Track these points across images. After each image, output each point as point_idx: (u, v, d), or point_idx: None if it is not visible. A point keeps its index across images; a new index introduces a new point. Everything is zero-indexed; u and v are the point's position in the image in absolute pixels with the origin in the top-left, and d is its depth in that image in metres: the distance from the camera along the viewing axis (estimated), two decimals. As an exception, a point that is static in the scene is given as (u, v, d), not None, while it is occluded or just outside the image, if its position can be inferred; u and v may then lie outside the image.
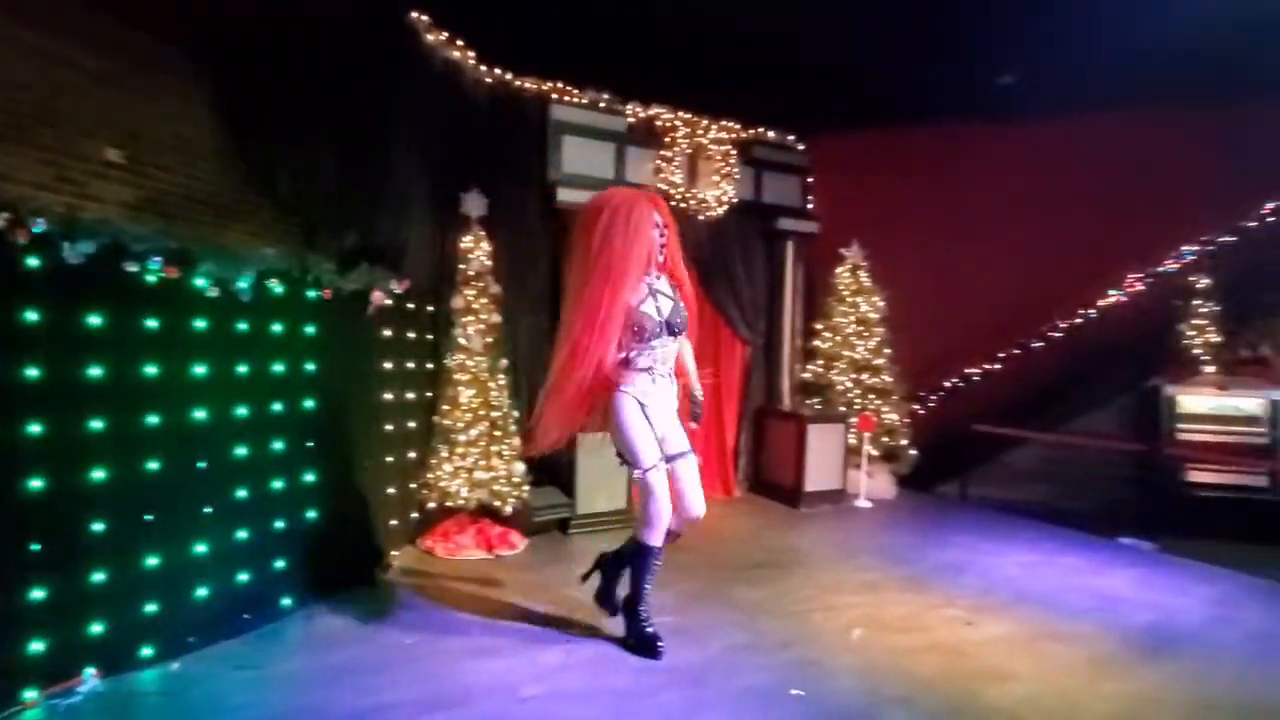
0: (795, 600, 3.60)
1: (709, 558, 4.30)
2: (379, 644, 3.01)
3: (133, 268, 2.61)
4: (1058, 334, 7.43)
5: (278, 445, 3.21)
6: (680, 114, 5.49)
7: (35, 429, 2.36)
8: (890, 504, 5.90)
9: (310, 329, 3.36)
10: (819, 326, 6.29)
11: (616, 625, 3.21)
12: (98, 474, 2.53)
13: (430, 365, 4.48)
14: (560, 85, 5.08)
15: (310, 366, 3.37)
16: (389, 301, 3.80)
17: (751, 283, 6.08)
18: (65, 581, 2.45)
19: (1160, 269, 7.13)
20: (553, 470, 4.97)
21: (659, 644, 2.98)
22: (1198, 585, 3.98)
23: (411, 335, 4.24)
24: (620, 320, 2.85)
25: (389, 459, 4.00)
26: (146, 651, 2.70)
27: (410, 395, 4.24)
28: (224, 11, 3.37)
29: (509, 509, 4.36)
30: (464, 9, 4.55)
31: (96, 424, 2.53)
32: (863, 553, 4.45)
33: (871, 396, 6.06)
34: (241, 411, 3.04)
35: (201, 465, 2.88)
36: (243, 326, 3.05)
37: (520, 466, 4.43)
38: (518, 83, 5.00)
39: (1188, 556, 4.56)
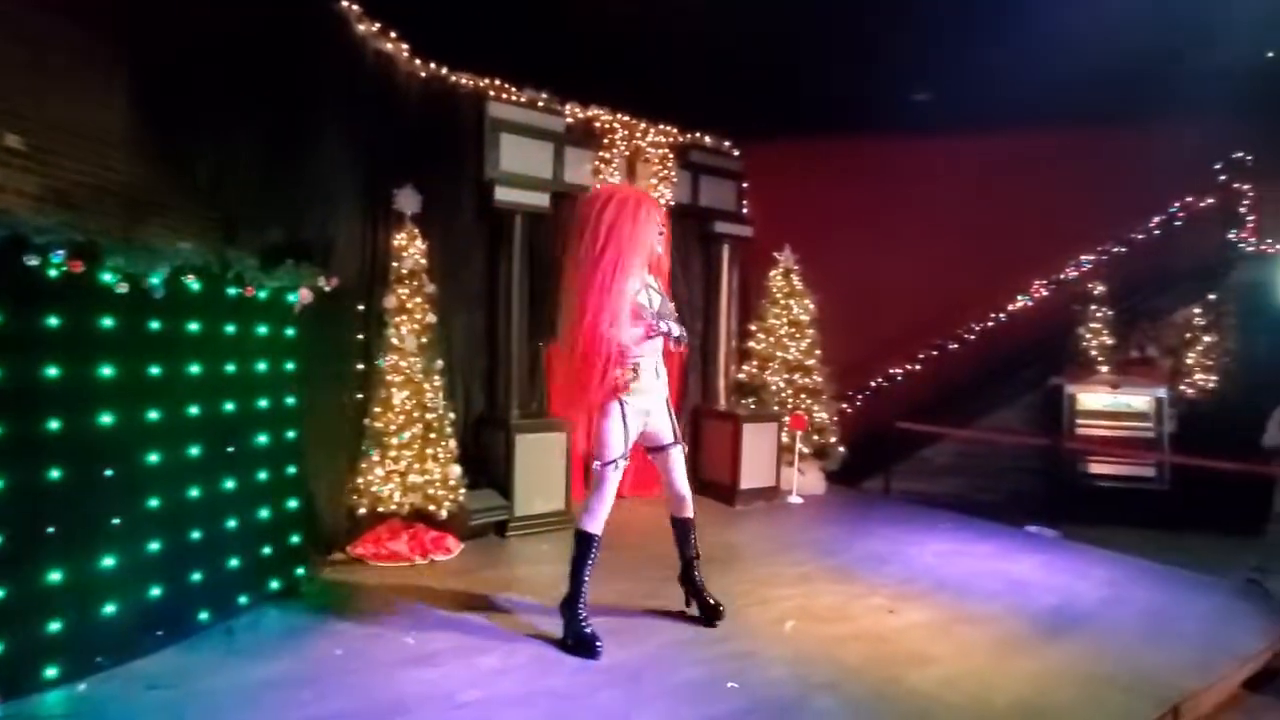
0: (732, 595, 3.68)
1: (647, 556, 4.35)
2: (305, 657, 2.90)
3: (33, 261, 2.42)
4: (971, 336, 7.91)
5: (193, 451, 3.04)
6: (619, 116, 5.51)
7: (-85, 436, 2.16)
8: (820, 499, 6.13)
9: (230, 328, 3.20)
10: (753, 328, 6.45)
11: (554, 626, 3.21)
12: (-10, 484, 2.33)
13: (361, 366, 4.34)
14: (497, 83, 5.01)
15: (230, 368, 3.21)
16: (312, 299, 3.65)
17: (688, 285, 6.18)
18: (-49, 602, 2.25)
19: (1062, 276, 7.69)
20: (490, 472, 4.91)
21: (597, 644, 3.00)
22: (1095, 568, 4.32)
23: (341, 335, 4.10)
24: (628, 304, 2.91)
25: (316, 464, 3.85)
26: (50, 672, 2.51)
27: (340, 397, 4.10)
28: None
29: (444, 513, 4.27)
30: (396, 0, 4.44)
31: (-12, 430, 2.33)
32: (795, 547, 4.61)
33: (803, 396, 6.27)
34: (153, 415, 2.86)
35: (109, 474, 2.70)
36: (155, 325, 2.87)
37: (456, 469, 4.35)
38: (453, 78, 4.90)
39: (1087, 542, 4.95)
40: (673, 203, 5.79)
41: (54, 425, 2.52)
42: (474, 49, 4.98)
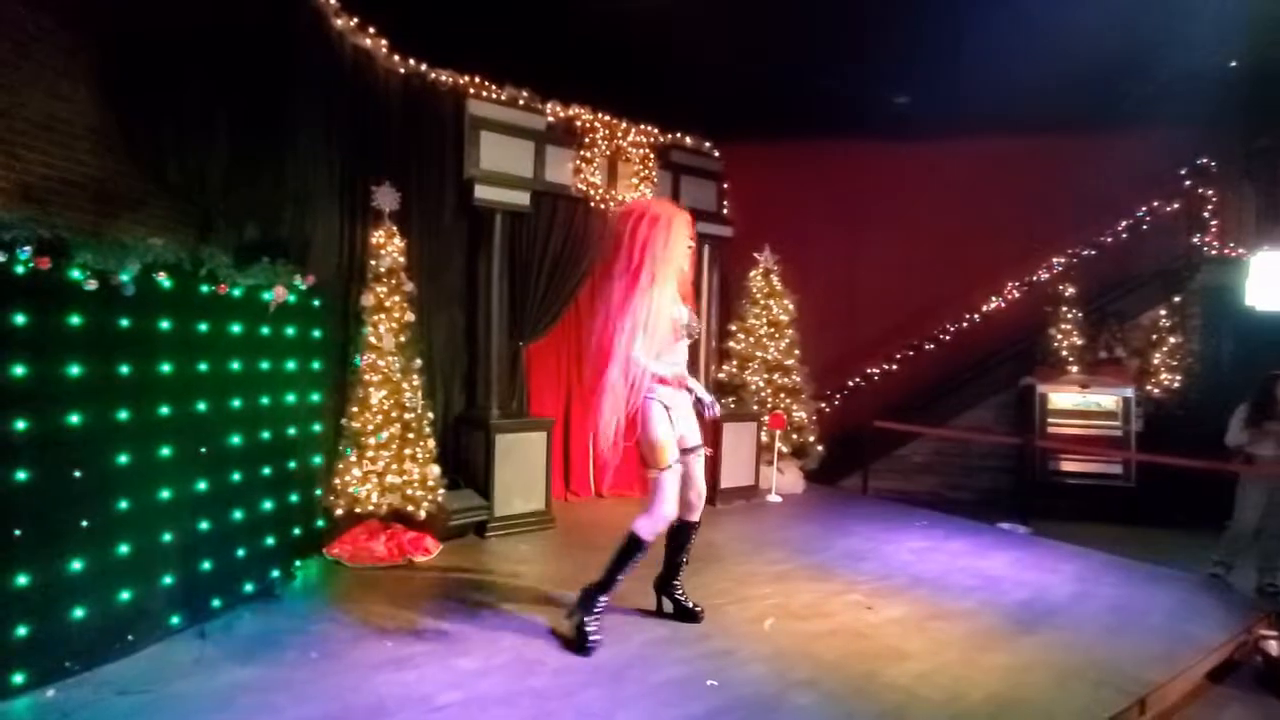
0: (712, 593, 3.71)
1: (627, 556, 4.36)
2: (281, 660, 2.85)
3: (-2, 258, 2.36)
4: (946, 337, 8.04)
5: (165, 452, 2.98)
6: (600, 115, 5.51)
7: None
8: (799, 498, 6.18)
9: (203, 326, 3.14)
10: (733, 328, 6.49)
11: (535, 626, 3.21)
12: (-49, 487, 2.27)
13: (338, 366, 4.28)
14: (478, 80, 4.98)
15: (203, 366, 3.15)
16: (292, 298, 3.60)
17: (668, 284, 6.19)
18: (-90, 609, 2.18)
19: (1033, 278, 7.85)
20: (469, 472, 4.88)
21: (589, 643, 3.00)
22: (1065, 564, 4.42)
23: (317, 334, 4.04)
24: (661, 317, 2.99)
25: (291, 464, 3.79)
26: (17, 679, 2.45)
27: (315, 397, 4.04)
28: (106, -20, 3.09)
29: (423, 513, 4.23)
30: (375, -5, 4.40)
31: (-51, 431, 2.27)
32: (773, 545, 4.65)
33: (782, 396, 6.33)
34: (122, 415, 2.80)
35: (77, 475, 2.63)
36: (125, 323, 2.80)
37: (435, 469, 4.32)
38: (433, 75, 4.86)
39: (1057, 538, 5.07)
40: (653, 203, 5.81)
41: (20, 425, 2.46)
42: (454, 46, 4.95)
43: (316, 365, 4.01)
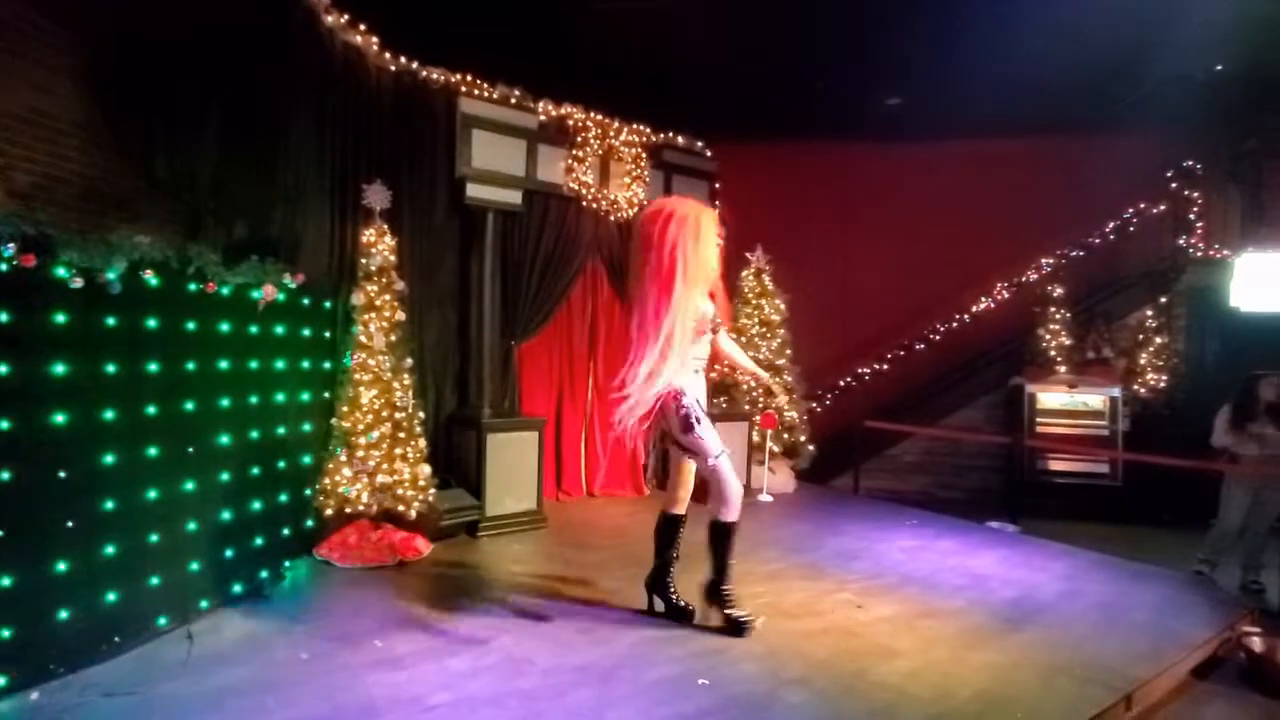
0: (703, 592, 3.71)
1: (620, 556, 4.36)
2: (270, 661, 2.84)
3: (-20, 255, 2.33)
4: (936, 337, 8.09)
5: (152, 452, 2.95)
6: (592, 114, 5.50)
7: None
8: (790, 497, 6.20)
9: (191, 325, 3.11)
10: (725, 327, 6.48)
11: (525, 626, 3.20)
12: (-67, 487, 2.24)
13: (328, 365, 4.26)
14: (469, 78, 4.97)
15: (190, 365, 3.12)
16: (281, 297, 3.58)
17: (660, 284, 6.19)
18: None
19: (1022, 279, 7.91)
20: (461, 472, 4.87)
21: (746, 623, 3.17)
22: (1052, 562, 4.46)
23: (307, 333, 4.01)
24: (691, 317, 3.04)
25: (280, 464, 3.77)
26: (0, 681, 2.42)
27: (305, 396, 4.02)
28: (92, -26, 3.05)
29: (413, 513, 4.22)
30: (366, -8, 4.37)
31: (-69, 431, 2.23)
32: (765, 544, 4.66)
33: (772, 395, 6.34)
34: (108, 415, 2.77)
35: (62, 475, 2.60)
36: (111, 322, 2.77)
37: (426, 469, 4.31)
38: (424, 73, 4.84)
39: (1045, 537, 5.11)
40: (645, 202, 5.80)
41: (3, 425, 2.43)
42: (445, 44, 4.93)
43: (306, 364, 3.99)
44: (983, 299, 8.01)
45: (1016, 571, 4.26)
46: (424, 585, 3.75)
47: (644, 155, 5.76)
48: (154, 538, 2.96)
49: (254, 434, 3.52)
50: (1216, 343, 7.10)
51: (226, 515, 3.34)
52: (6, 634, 2.43)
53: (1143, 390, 7.10)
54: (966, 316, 8.04)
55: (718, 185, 6.44)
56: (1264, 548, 4.55)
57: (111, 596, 2.78)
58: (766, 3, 5.25)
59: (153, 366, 2.94)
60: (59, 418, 2.59)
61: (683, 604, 3.39)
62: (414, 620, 3.27)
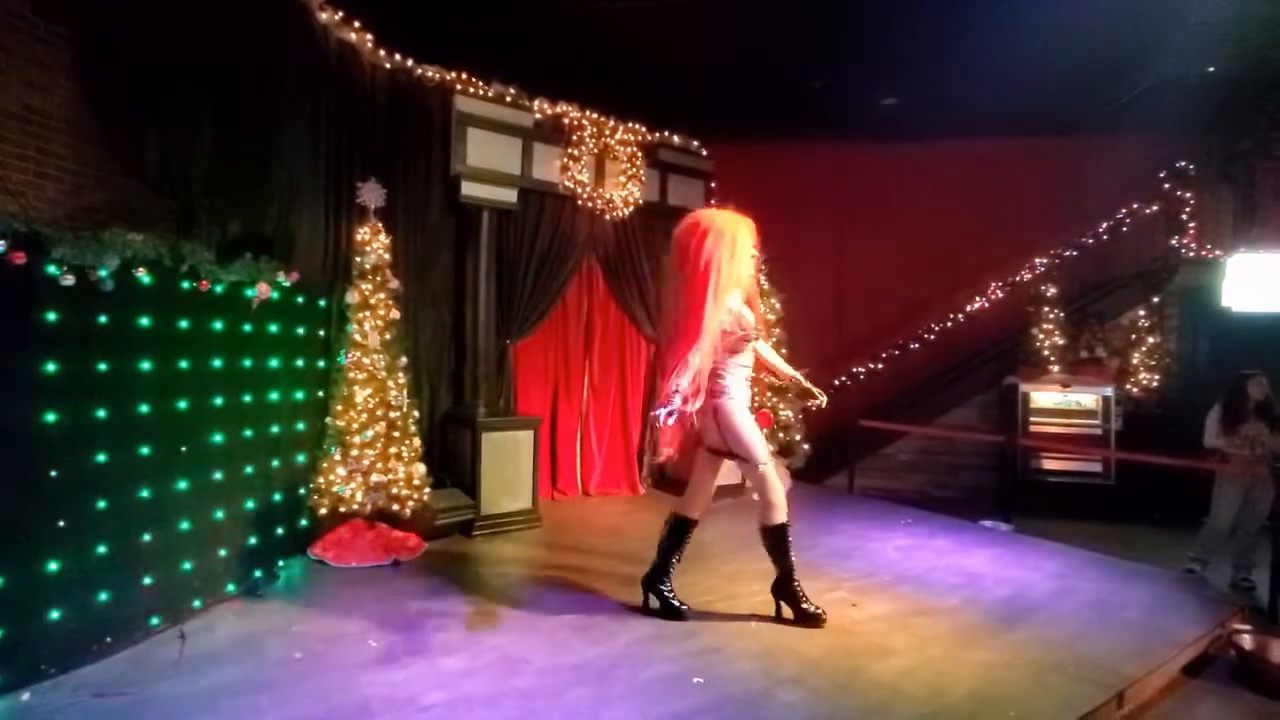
0: (699, 591, 3.72)
1: (617, 555, 4.36)
2: (264, 661, 2.82)
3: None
4: (931, 336, 8.11)
5: (144, 450, 2.94)
6: (588, 113, 5.50)
7: None
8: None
9: (184, 323, 3.10)
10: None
11: (522, 625, 3.20)
12: (-78, 487, 2.22)
13: (322, 363, 4.24)
14: (464, 76, 4.95)
15: (183, 364, 3.11)
16: (275, 295, 3.56)
17: (656, 283, 6.19)
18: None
19: (1016, 279, 7.93)
20: (456, 471, 4.86)
21: (819, 613, 3.29)
22: (1045, 561, 4.48)
23: (301, 331, 4.00)
24: (720, 333, 3.13)
25: (274, 463, 3.75)
26: (-12, 683, 2.40)
27: (299, 395, 4.00)
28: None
29: (408, 512, 4.21)
30: (360, -10, 4.35)
31: (-80, 430, 2.21)
32: (760, 543, 4.65)
33: (769, 394, 6.35)
34: (100, 413, 2.76)
35: (53, 474, 2.59)
36: (103, 320, 2.76)
37: (421, 468, 4.30)
38: (419, 71, 4.82)
39: (1038, 535, 5.13)
40: (641, 201, 5.80)
41: (-7, 424, 2.41)
42: (440, 41, 4.92)
43: (300, 363, 3.97)
44: (977, 298, 8.04)
45: (1010, 570, 4.28)
46: (419, 585, 3.74)
47: (639, 154, 5.76)
48: (146, 537, 2.94)
49: (248, 433, 3.51)
50: (1208, 342, 7.14)
51: (220, 514, 3.33)
52: (-3, 634, 2.42)
53: (1135, 390, 7.14)
54: (961, 316, 8.06)
55: (713, 185, 6.43)
56: (1254, 546, 4.58)
57: (103, 596, 2.76)
58: (763, 2, 5.25)
59: (145, 365, 2.92)
60: (49, 416, 2.57)
61: (677, 603, 3.40)
62: (409, 620, 3.26)
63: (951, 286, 7.98)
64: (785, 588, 3.39)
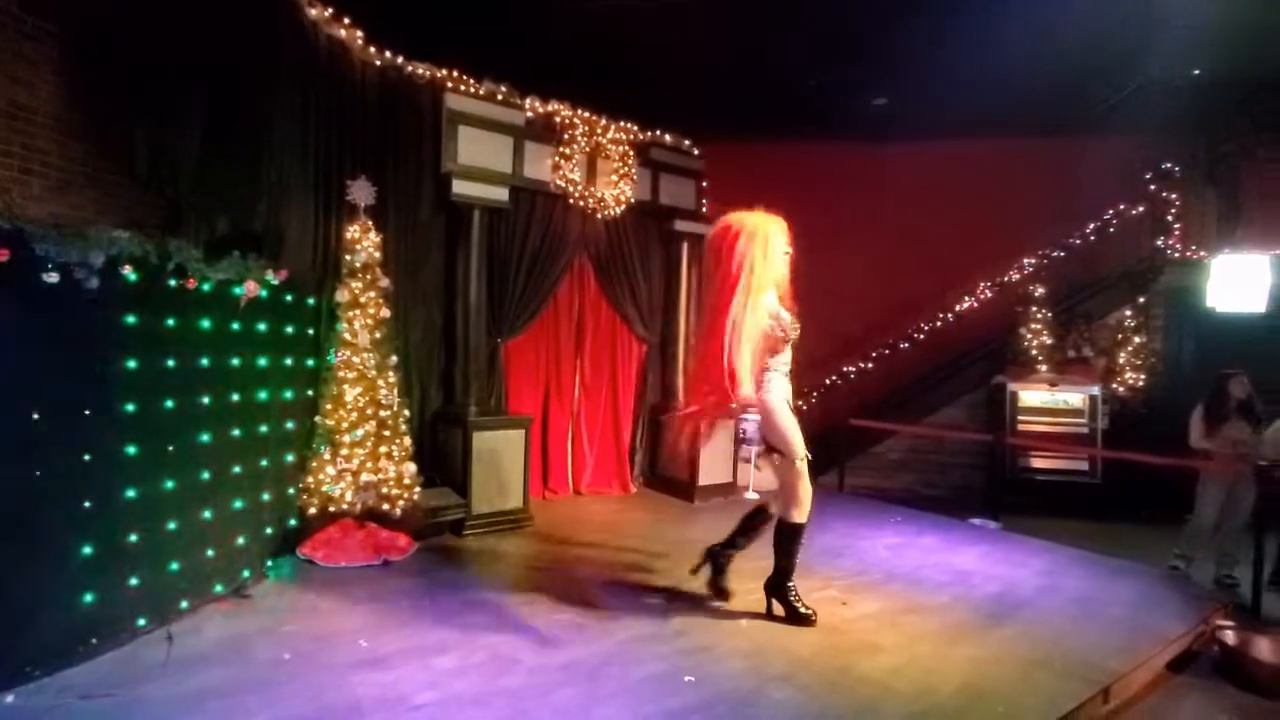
0: (690, 590, 3.73)
1: (610, 553, 4.37)
2: (253, 662, 2.81)
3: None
4: (921, 336, 8.16)
5: (130, 450, 2.90)
6: (579, 112, 5.49)
7: None
8: (776, 495, 6.22)
9: (170, 321, 3.07)
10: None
11: (512, 625, 3.20)
12: (-97, 487, 2.18)
13: (311, 362, 4.21)
14: (455, 74, 4.93)
15: (170, 362, 3.07)
16: (264, 293, 3.53)
17: (648, 282, 6.20)
18: None
19: (1005, 279, 7.99)
20: (446, 470, 4.84)
21: (809, 613, 3.32)
22: (1033, 558, 4.52)
23: (290, 330, 3.97)
24: (760, 334, 3.20)
25: (263, 462, 3.73)
26: (-29, 686, 2.37)
27: (288, 394, 3.97)
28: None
29: (398, 512, 4.19)
30: (350, -14, 4.33)
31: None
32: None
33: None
34: (85, 412, 2.72)
35: (37, 474, 2.55)
36: (88, 317, 2.72)
37: (411, 467, 4.29)
38: (409, 68, 4.80)
39: (1025, 533, 5.19)
40: (632, 200, 5.80)
41: (-23, 423, 2.38)
42: (431, 39, 4.90)
43: (289, 361, 3.95)
44: (966, 298, 8.09)
45: (998, 567, 4.32)
46: (409, 584, 3.72)
47: (631, 153, 5.76)
48: (133, 537, 2.91)
49: (236, 432, 3.48)
50: (1193, 342, 7.23)
51: (207, 514, 3.29)
52: (-20, 636, 2.39)
53: (1121, 389, 7.22)
54: (950, 315, 8.11)
55: (704, 184, 6.45)
56: (1238, 543, 4.64)
57: (89, 597, 2.73)
58: (756, 2, 5.26)
59: (131, 363, 2.89)
60: (34, 415, 2.54)
61: (726, 585, 3.60)
62: (399, 619, 3.25)
63: (941, 286, 8.03)
64: (779, 586, 3.41)
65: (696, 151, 6.37)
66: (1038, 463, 6.90)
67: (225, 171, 3.69)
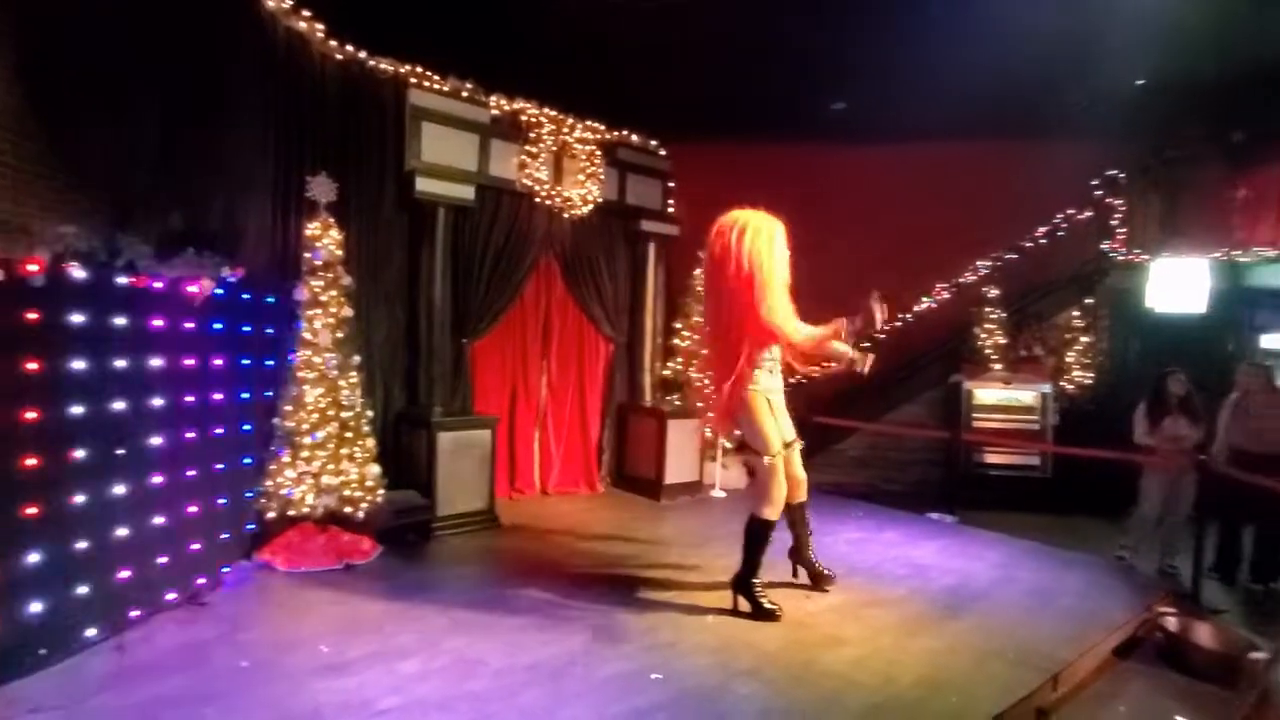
0: (657, 588, 3.75)
1: (576, 553, 4.36)
2: (208, 671, 2.73)
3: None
4: (881, 335, 8.30)
5: (78, 454, 2.80)
6: (546, 110, 5.47)
7: None
8: (742, 493, 6.29)
9: (120, 320, 2.96)
10: (678, 325, 6.56)
11: (478, 627, 3.18)
12: None
13: (270, 362, 4.11)
14: (419, 70, 4.86)
15: (119, 363, 2.97)
16: (220, 291, 3.44)
17: (615, 282, 6.21)
18: None
19: (961, 280, 8.22)
20: (411, 472, 4.78)
21: (772, 609, 3.36)
22: (988, 551, 4.68)
23: (247, 329, 3.86)
24: (780, 312, 3.31)
25: (219, 466, 3.62)
26: (-96, 704, 2.25)
27: (245, 395, 3.86)
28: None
29: (361, 515, 4.11)
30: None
31: None
32: (718, 539, 4.72)
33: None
34: (30, 415, 2.61)
35: (-23, 480, 2.45)
36: (32, 316, 2.62)
37: (374, 469, 4.21)
38: (372, 63, 4.71)
39: (981, 526, 5.35)
40: (599, 200, 5.80)
41: (-91, 428, 2.26)
42: (394, 34, 4.81)
43: (246, 362, 3.84)
44: (924, 299, 8.29)
45: (955, 561, 4.45)
46: (372, 588, 3.66)
47: (598, 152, 5.76)
48: (81, 544, 2.80)
49: (190, 434, 3.37)
50: (1136, 342, 7.55)
51: (159, 520, 3.19)
52: (-86, 651, 2.27)
53: (1070, 386, 7.49)
54: (909, 316, 8.30)
55: (671, 184, 6.48)
56: (1180, 534, 4.87)
57: (36, 607, 2.62)
58: (719, 5, 5.30)
59: (78, 364, 2.78)
60: (-27, 419, 2.43)
61: (824, 569, 3.81)
62: (362, 624, 3.20)
63: (900, 287, 8.20)
64: (745, 582, 3.46)
65: (663, 152, 6.40)
66: (992, 458, 7.11)
67: (179, 166, 3.56)
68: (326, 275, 4.15)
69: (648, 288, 6.36)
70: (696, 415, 6.11)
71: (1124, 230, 7.86)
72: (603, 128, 5.83)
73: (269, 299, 4.08)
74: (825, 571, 3.83)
